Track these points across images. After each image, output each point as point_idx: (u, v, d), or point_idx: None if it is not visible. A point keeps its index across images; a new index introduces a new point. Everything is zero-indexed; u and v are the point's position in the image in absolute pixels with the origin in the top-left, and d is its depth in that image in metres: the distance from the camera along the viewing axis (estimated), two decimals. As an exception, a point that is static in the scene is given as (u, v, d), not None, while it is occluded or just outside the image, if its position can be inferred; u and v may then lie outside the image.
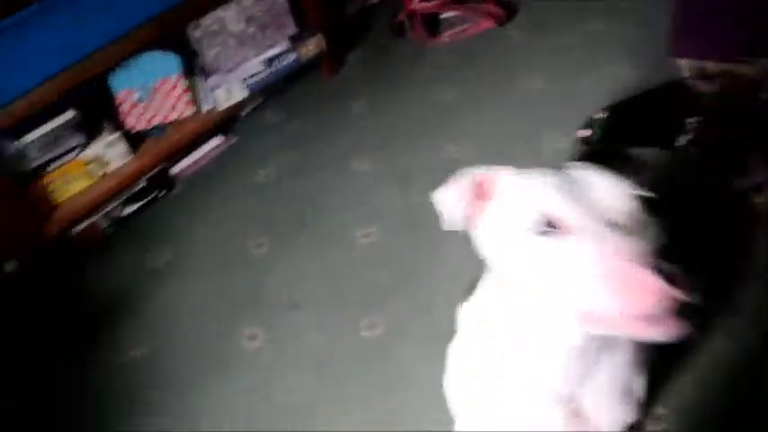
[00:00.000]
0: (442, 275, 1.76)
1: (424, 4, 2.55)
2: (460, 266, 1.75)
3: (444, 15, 2.64)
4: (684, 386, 1.44)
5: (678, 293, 0.67)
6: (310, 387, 1.60)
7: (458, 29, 2.59)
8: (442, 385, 1.49)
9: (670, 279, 0.68)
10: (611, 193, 0.77)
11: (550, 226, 0.75)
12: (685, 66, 1.93)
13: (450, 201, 0.86)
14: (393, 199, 1.97)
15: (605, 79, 2.25)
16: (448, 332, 1.61)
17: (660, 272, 0.68)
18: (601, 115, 2.02)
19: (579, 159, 1.93)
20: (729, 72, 1.82)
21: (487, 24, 2.57)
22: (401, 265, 1.80)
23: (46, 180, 1.89)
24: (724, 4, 1.84)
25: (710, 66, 1.86)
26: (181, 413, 1.60)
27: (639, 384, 1.01)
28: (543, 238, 0.75)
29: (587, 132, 2.02)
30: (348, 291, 1.78)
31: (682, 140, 1.96)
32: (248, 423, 1.56)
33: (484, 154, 2.06)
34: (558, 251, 0.75)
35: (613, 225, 0.73)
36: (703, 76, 1.89)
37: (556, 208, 0.75)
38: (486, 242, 0.85)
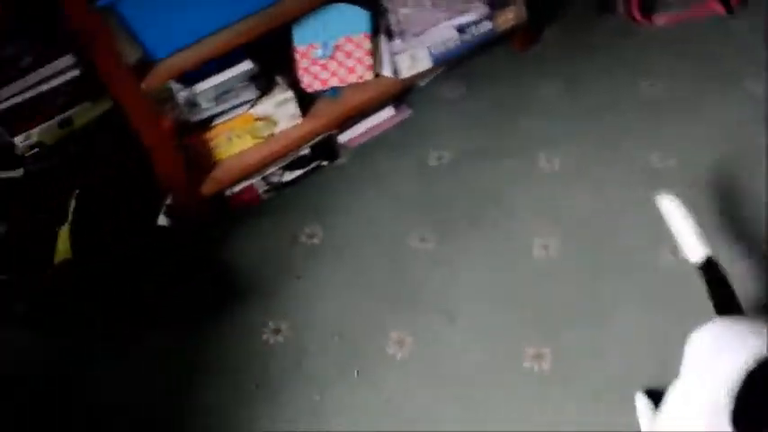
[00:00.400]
0: (624, 311, 1.51)
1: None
2: (647, 305, 1.52)
3: (665, -6, 2.29)
4: None
5: None
6: (450, 414, 1.43)
7: (678, 11, 2.23)
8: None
9: None
10: None
11: None
12: None
13: None
14: (581, 207, 1.73)
15: None
16: (618, 383, 1.40)
17: None
18: None
19: None
20: None
21: (714, 10, 2.20)
22: (580, 291, 1.57)
23: (212, 134, 1.80)
24: None
25: None
26: (308, 407, 1.48)
27: None
28: None
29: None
30: (515, 311, 1.57)
31: None
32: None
33: (693, 166, 1.76)
34: None
35: None
36: None
37: None
38: None
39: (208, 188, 1.81)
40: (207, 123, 1.80)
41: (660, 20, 2.23)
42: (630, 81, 2.04)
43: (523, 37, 2.17)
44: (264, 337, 1.61)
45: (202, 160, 1.82)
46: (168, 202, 1.85)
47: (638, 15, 2.22)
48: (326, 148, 1.96)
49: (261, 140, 1.86)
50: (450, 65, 2.13)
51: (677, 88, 2.01)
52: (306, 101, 1.93)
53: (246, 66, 1.78)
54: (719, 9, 2.20)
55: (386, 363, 1.53)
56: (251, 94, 1.81)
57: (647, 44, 2.17)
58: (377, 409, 1.46)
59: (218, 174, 1.83)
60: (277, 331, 1.61)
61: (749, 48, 2.10)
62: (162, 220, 1.84)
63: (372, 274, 1.70)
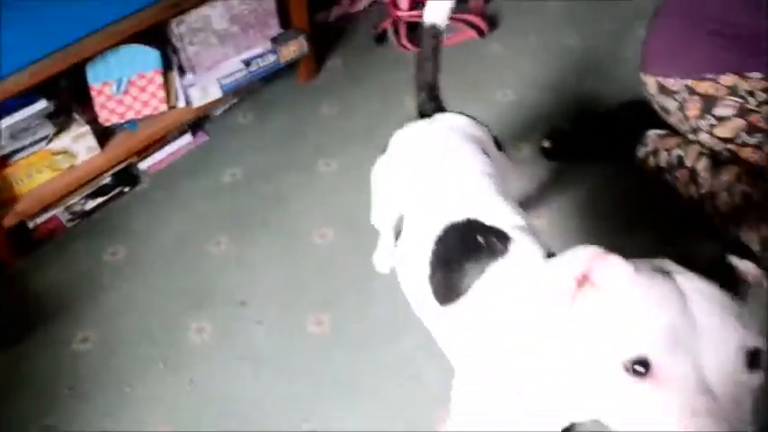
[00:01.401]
0: (385, 281, 1.78)
1: (410, 12, 2.57)
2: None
3: (426, 25, 2.65)
4: None
5: None
6: (251, 381, 1.62)
7: (439, 39, 2.60)
8: (373, 385, 1.53)
9: None
10: (728, 342, 0.66)
11: (645, 367, 0.66)
12: (652, 82, 1.94)
13: (561, 283, 0.74)
14: (351, 202, 1.99)
15: (577, 94, 2.28)
16: (385, 336, 1.65)
17: None
18: (563, 127, 2.04)
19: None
20: (691, 89, 1.83)
21: (469, 35, 2.59)
22: (351, 267, 1.83)
23: (11, 170, 1.90)
24: (685, 26, 1.87)
25: (671, 82, 1.87)
26: (120, 403, 1.60)
27: None
28: (629, 377, 0.67)
29: (549, 143, 2.04)
30: (298, 290, 1.80)
31: (641, 152, 1.98)
32: (189, 414, 1.57)
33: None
34: (637, 398, 0.67)
35: (710, 391, 0.63)
36: (665, 91, 1.91)
37: (651, 351, 0.66)
38: (565, 340, 0.76)
39: (9, 221, 1.89)
40: (6, 160, 1.90)
41: (424, 47, 2.59)
42: (399, 100, 2.34)
43: (308, 68, 2.44)
44: (74, 346, 1.72)
45: (3, 194, 1.91)
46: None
47: (406, 44, 2.56)
48: (127, 176, 2.11)
49: (60, 172, 1.98)
50: (242, 95, 2.37)
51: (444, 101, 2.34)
52: (106, 133, 2.07)
53: (41, 105, 1.88)
54: (474, 34, 2.59)
55: (188, 351, 1.69)
56: (47, 130, 1.92)
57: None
58: (183, 391, 1.62)
59: (19, 207, 1.91)
60: (85, 340, 1.73)
61: (500, 65, 2.50)
62: (-34, 253, 1.91)
63: (173, 279, 1.87)
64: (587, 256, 0.72)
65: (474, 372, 1.01)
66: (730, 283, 0.73)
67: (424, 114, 1.43)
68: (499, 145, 1.39)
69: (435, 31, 1.45)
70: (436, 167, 1.23)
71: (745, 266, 0.75)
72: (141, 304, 1.81)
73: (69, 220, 2.04)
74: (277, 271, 1.85)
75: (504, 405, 0.94)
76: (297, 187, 2.07)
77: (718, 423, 0.61)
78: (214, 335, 1.72)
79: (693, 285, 0.69)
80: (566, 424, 0.93)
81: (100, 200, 2.08)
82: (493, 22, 2.66)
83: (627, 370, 0.66)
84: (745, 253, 0.76)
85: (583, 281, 0.74)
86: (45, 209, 1.97)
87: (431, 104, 1.45)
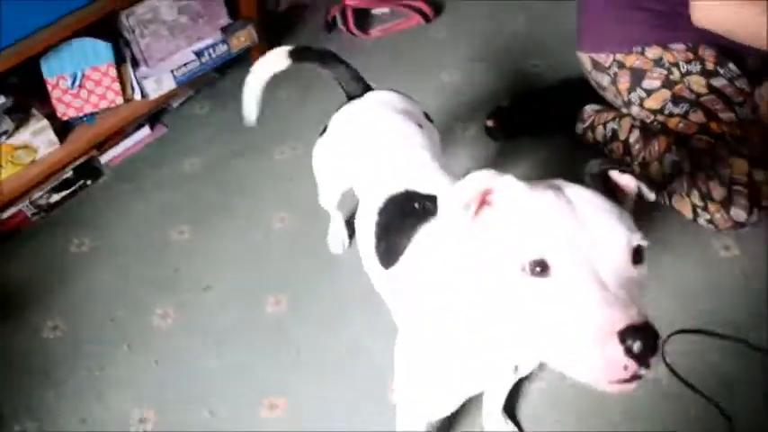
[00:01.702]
0: (341, 261, 1.88)
1: (358, 0, 2.65)
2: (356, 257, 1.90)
3: (375, 11, 2.74)
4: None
5: (641, 372, 0.68)
6: (214, 360, 1.71)
7: (387, 25, 2.69)
8: (330, 360, 1.64)
9: (640, 358, 0.67)
10: (614, 240, 0.73)
11: (542, 267, 0.72)
12: (586, 59, 2.05)
13: (461, 203, 0.80)
14: (308, 187, 2.05)
15: (520, 74, 2.38)
16: (341, 315, 1.75)
17: (630, 352, 0.67)
18: (506, 105, 2.14)
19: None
20: (620, 63, 1.95)
21: (416, 20, 2.68)
22: (308, 249, 1.92)
23: (-29, 166, 1.97)
24: (610, 2, 1.96)
25: (603, 57, 1.98)
26: (91, 387, 1.69)
27: None
28: (530, 278, 0.73)
29: (492, 122, 2.14)
30: (258, 272, 1.89)
31: (579, 128, 2.09)
32: (155, 393, 1.66)
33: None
34: (540, 296, 0.73)
35: (603, 282, 0.70)
36: (599, 67, 2.02)
37: (547, 252, 0.72)
38: (470, 253, 0.83)
39: (-26, 216, 1.97)
40: (-33, 157, 1.96)
41: (375, 32, 2.67)
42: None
43: (259, 56, 2.49)
44: (44, 334, 1.80)
45: (-34, 191, 1.97)
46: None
47: (354, 31, 2.64)
48: (89, 169, 2.18)
49: (22, 167, 2.04)
50: (199, 86, 2.45)
51: (391, 84, 2.42)
52: (66, 127, 2.14)
53: (-1, 100, 1.97)
54: (420, 20, 2.68)
55: (153, 334, 1.78)
56: (6, 125, 1.98)
57: (365, 54, 2.59)
58: (149, 371, 1.70)
59: (-17, 202, 1.99)
60: (55, 328, 1.81)
61: (446, 48, 2.59)
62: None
63: (138, 267, 1.94)
64: (484, 178, 0.79)
65: (412, 329, 1.10)
66: (612, 194, 0.83)
67: (352, 96, 1.52)
68: (429, 118, 1.49)
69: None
70: (372, 143, 1.32)
71: (624, 179, 0.85)
72: (108, 292, 1.89)
73: (34, 214, 2.10)
74: (237, 256, 1.94)
75: (442, 360, 1.02)
76: (255, 174, 2.15)
77: (619, 311, 0.68)
78: (178, 318, 1.80)
79: (581, 195, 0.77)
80: (501, 376, 1.04)
81: (64, 193, 2.14)
82: (438, 8, 2.75)
83: (528, 272, 0.73)
84: (624, 169, 0.85)
85: (482, 203, 0.81)
86: (9, 203, 2.04)
87: (357, 85, 1.54)
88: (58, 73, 2.07)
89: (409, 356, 1.09)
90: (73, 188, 2.15)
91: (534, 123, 2.14)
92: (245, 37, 2.37)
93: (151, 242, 2.00)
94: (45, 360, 1.74)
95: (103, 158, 2.23)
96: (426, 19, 2.68)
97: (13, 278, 1.94)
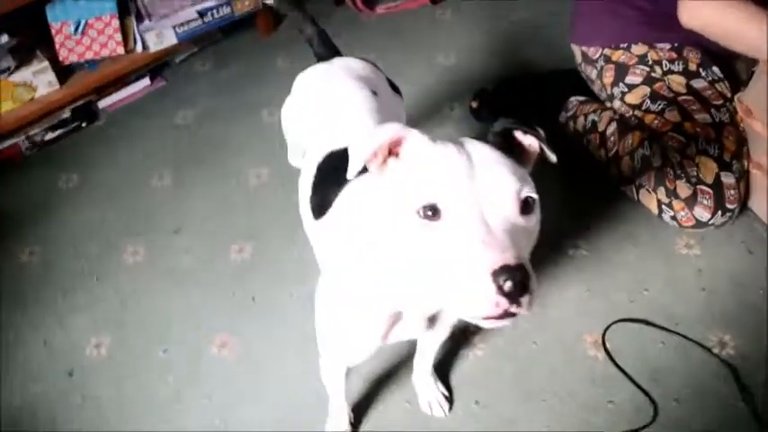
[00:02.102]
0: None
1: (368, -23, 2.71)
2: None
3: (385, -12, 2.79)
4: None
5: (514, 309, 0.74)
6: (175, 298, 1.80)
7: (393, 3, 2.74)
8: (281, 310, 1.70)
9: (511, 296, 0.73)
10: (503, 190, 0.79)
11: (434, 211, 0.78)
12: (577, 51, 2.09)
13: (368, 152, 0.85)
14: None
15: (515, 61, 2.42)
16: (299, 273, 1.82)
17: (501, 289, 0.72)
18: (490, 88, 2.18)
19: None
20: (607, 57, 1.98)
21: (421, 2, 2.72)
22: (279, 207, 1.98)
23: (-27, 96, 2.07)
24: (603, 7, 2.02)
25: (592, 51, 2.02)
26: (52, 309, 1.79)
27: None
28: (423, 221, 0.79)
29: (476, 103, 2.18)
30: (228, 221, 1.97)
31: (563, 117, 2.12)
32: (113, 324, 1.75)
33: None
34: (433, 237, 0.79)
35: (489, 228, 0.76)
36: (587, 60, 2.05)
37: (440, 197, 0.78)
38: (384, 202, 0.88)
39: (-29, 144, 2.08)
40: (-31, 87, 2.07)
41: (380, 10, 2.73)
42: (348, 55, 2.48)
43: (265, 22, 2.59)
44: (21, 258, 1.90)
45: (-34, 120, 2.08)
46: (-66, 156, 2.09)
47: (361, 6, 2.70)
48: (87, 112, 2.28)
49: (21, 103, 2.14)
50: (203, 44, 2.53)
51: (385, 61, 2.48)
52: (67, 71, 2.24)
53: (3, 39, 2.06)
54: (426, 1, 2.72)
55: (121, 270, 1.87)
56: (8, 63, 2.09)
57: (368, 29, 2.66)
58: (112, 305, 1.79)
59: (-20, 131, 2.10)
60: (32, 254, 1.92)
61: (448, 30, 2.63)
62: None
63: (116, 207, 2.04)
64: (393, 129, 0.85)
65: (329, 275, 1.16)
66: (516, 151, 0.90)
67: (321, 58, 1.58)
68: (395, 88, 1.56)
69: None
70: (325, 105, 1.38)
71: (527, 139, 0.91)
72: (85, 227, 1.98)
73: (28, 149, 2.20)
74: (211, 205, 2.02)
75: (355, 304, 1.07)
76: (242, 132, 2.24)
77: (496, 252, 0.74)
78: (146, 257, 1.89)
79: (479, 149, 0.83)
80: (414, 327, 1.09)
81: (59, 132, 2.25)
82: (447, -9, 2.79)
83: (421, 216, 0.78)
84: (527, 130, 0.90)
85: (391, 153, 0.87)
86: (5, 136, 2.14)
87: (325, 50, 1.63)
88: (62, 19, 2.16)
89: (326, 301, 1.15)
90: (68, 128, 2.25)
91: (516, 108, 2.18)
92: (249, 2, 2.45)
93: (132, 185, 2.09)
94: (17, 282, 1.85)
95: (101, 104, 2.33)
96: (433, 1, 2.72)
97: (1, 205, 2.05)
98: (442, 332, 1.32)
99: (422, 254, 0.80)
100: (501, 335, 1.66)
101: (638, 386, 1.56)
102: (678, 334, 1.65)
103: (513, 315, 0.75)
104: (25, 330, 1.74)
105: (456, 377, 1.61)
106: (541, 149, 0.91)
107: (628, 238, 1.87)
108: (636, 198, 1.91)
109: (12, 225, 1.99)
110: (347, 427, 1.51)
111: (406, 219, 0.80)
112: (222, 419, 1.55)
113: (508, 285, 0.72)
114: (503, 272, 0.72)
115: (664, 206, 1.83)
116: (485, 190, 0.78)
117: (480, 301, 0.73)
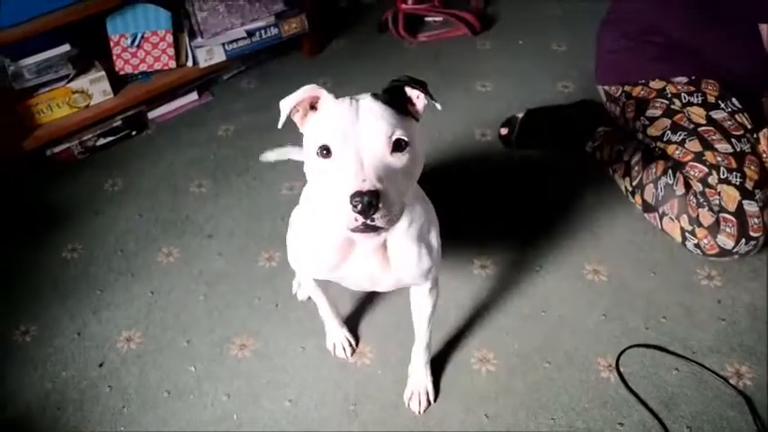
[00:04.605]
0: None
1: (413, 6, 2.80)
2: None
3: (428, 18, 2.89)
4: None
5: (369, 222, 0.99)
6: (202, 299, 1.88)
7: (435, 32, 2.83)
8: (303, 317, 1.79)
9: (364, 213, 0.98)
10: (376, 134, 1.03)
11: (327, 151, 1.04)
12: (601, 91, 2.18)
13: (290, 105, 1.12)
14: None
15: (546, 93, 2.47)
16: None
17: (355, 208, 0.98)
18: (520, 116, 2.23)
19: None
20: (628, 94, 2.04)
21: (462, 32, 2.80)
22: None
23: (34, 100, 2.21)
24: (620, 38, 2.11)
25: (613, 89, 2.09)
26: (89, 300, 1.88)
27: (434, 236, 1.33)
28: (320, 159, 1.05)
29: (505, 130, 2.24)
30: (259, 230, 2.05)
31: (589, 147, 2.16)
32: (143, 320, 1.83)
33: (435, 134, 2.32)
34: (326, 171, 1.05)
35: (359, 161, 1.01)
36: (611, 98, 2.12)
37: (330, 140, 1.03)
38: (305, 147, 1.13)
39: (29, 145, 2.21)
40: (31, 92, 2.21)
41: (422, 37, 2.81)
42: (386, 80, 2.57)
43: (310, 45, 2.70)
44: (62, 254, 2.01)
45: (26, 122, 2.22)
46: (-7, 154, 2.24)
47: (403, 34, 2.79)
48: (137, 121, 2.41)
49: (77, 110, 2.28)
50: (250, 63, 2.65)
51: (431, 83, 2.57)
52: (121, 81, 2.38)
53: (65, 48, 2.21)
54: (467, 32, 2.80)
55: (155, 268, 1.96)
56: (68, 71, 2.24)
57: (409, 56, 2.75)
58: (143, 300, 1.88)
59: (38, 134, 2.23)
60: (73, 250, 2.02)
61: (485, 60, 2.71)
62: (-14, 170, 2.23)
63: (156, 210, 2.14)
64: (309, 89, 1.11)
65: (296, 209, 1.46)
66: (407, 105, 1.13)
67: None
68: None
69: None
70: None
71: (414, 93, 1.13)
72: (125, 227, 2.09)
73: (80, 153, 2.34)
74: (244, 213, 2.11)
75: (308, 229, 1.31)
76: (278, 146, 2.31)
77: (357, 181, 0.98)
78: (179, 258, 1.98)
79: (366, 104, 1.07)
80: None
81: (110, 138, 2.38)
82: (489, 23, 2.88)
83: (320, 155, 1.04)
84: (414, 85, 1.12)
85: (311, 108, 1.13)
86: (61, 140, 2.28)
87: None
88: (120, 32, 2.30)
89: (293, 227, 1.44)
90: (119, 135, 2.38)
91: (544, 137, 2.22)
92: (296, 24, 2.56)
93: (172, 191, 2.20)
94: (57, 276, 1.95)
95: (151, 114, 2.46)
96: (474, 31, 2.80)
97: (50, 203, 2.18)
98: (423, 306, 1.49)
99: (322, 184, 1.06)
100: (515, 353, 1.69)
101: (651, 410, 1.57)
102: (694, 362, 1.66)
103: (375, 229, 1.01)
104: (62, 321, 1.84)
105: (468, 391, 1.64)
106: (426, 98, 1.13)
107: (648, 266, 1.89)
108: (659, 226, 1.93)
109: (58, 222, 2.11)
110: (345, 343, 1.72)
111: (313, 157, 1.06)
112: (239, 416, 1.61)
113: (360, 207, 0.97)
114: (356, 195, 0.97)
115: (687, 234, 1.85)
116: (363, 134, 1.02)
117: (346, 216, 0.99)
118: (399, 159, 1.04)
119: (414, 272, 1.30)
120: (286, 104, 1.12)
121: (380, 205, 0.97)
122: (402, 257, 1.27)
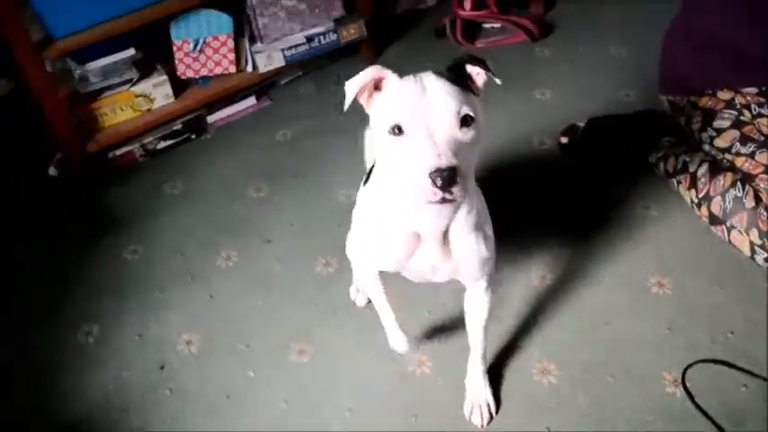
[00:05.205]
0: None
1: (471, 13, 2.78)
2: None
3: (486, 25, 2.86)
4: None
5: (447, 196, 1.02)
6: (259, 303, 1.89)
7: (493, 38, 2.81)
8: (360, 323, 1.78)
9: (443, 188, 1.01)
10: (445, 110, 1.04)
11: (399, 129, 1.05)
12: (665, 101, 2.13)
13: (356, 86, 1.13)
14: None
15: (607, 101, 2.43)
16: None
17: (435, 183, 1.00)
18: (581, 124, 2.20)
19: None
20: (694, 104, 2.00)
21: (522, 38, 2.77)
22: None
23: (98, 104, 2.26)
24: (687, 48, 2.07)
25: (678, 99, 2.04)
26: (151, 302, 1.91)
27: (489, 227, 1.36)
28: (392, 137, 1.06)
29: (565, 139, 2.20)
30: (317, 236, 2.05)
31: (653, 157, 2.11)
32: (203, 323, 1.85)
33: (492, 139, 2.28)
34: (398, 148, 1.06)
35: (431, 137, 1.03)
36: (675, 108, 2.08)
37: (401, 119, 1.05)
38: (373, 128, 1.15)
39: (92, 147, 2.26)
40: (95, 95, 2.26)
41: (480, 44, 2.80)
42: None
43: (368, 51, 2.71)
44: (124, 255, 2.04)
45: (90, 125, 2.27)
46: (58, 156, 2.29)
47: (461, 40, 2.78)
48: (196, 125, 2.44)
49: (139, 113, 2.32)
50: (308, 68, 2.66)
51: (489, 91, 2.55)
52: (181, 85, 2.41)
53: (130, 52, 2.25)
54: (526, 38, 2.77)
55: (214, 272, 1.98)
56: (132, 75, 2.28)
57: (467, 61, 2.72)
58: (202, 303, 1.90)
59: (101, 137, 2.28)
60: (134, 251, 2.05)
61: (544, 67, 2.68)
62: (52, 171, 2.30)
63: (215, 213, 2.17)
64: (375, 69, 1.13)
65: (359, 201, 1.48)
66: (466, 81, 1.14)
67: None
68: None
69: None
70: None
71: (474, 69, 1.15)
72: (185, 230, 2.12)
73: (142, 156, 2.38)
74: (302, 218, 2.12)
75: (373, 222, 1.34)
76: (336, 152, 2.34)
77: (439, 158, 1.00)
78: (238, 262, 2.00)
79: (431, 81, 1.08)
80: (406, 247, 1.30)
81: (170, 142, 2.41)
82: (548, 29, 2.84)
83: (392, 133, 1.06)
84: (472, 61, 1.14)
85: (375, 89, 1.14)
86: (123, 142, 2.32)
87: None
88: (183, 37, 2.34)
89: (356, 220, 1.46)
90: (179, 139, 2.42)
91: (606, 146, 2.18)
92: (355, 30, 2.57)
93: (231, 194, 2.22)
94: (118, 277, 1.98)
95: (210, 118, 2.49)
96: (532, 38, 2.77)
97: (111, 204, 2.22)
98: (479, 310, 1.49)
99: (394, 162, 1.08)
100: (577, 365, 1.66)
101: (718, 426, 1.52)
102: (763, 378, 1.60)
103: (450, 200, 1.03)
104: (122, 322, 1.86)
105: (529, 403, 1.61)
106: (487, 74, 1.14)
107: (714, 279, 1.84)
108: (727, 239, 1.88)
109: (119, 224, 2.14)
110: (405, 344, 1.62)
111: (385, 137, 1.07)
112: (298, 423, 1.61)
113: (439, 181, 0.99)
114: (436, 172, 1.00)
115: (757, 248, 1.79)
116: (432, 111, 1.04)
117: (424, 191, 1.02)
118: (467, 134, 1.06)
119: (473, 260, 1.32)
120: (352, 87, 1.13)
121: (458, 179, 1.00)
122: (462, 245, 1.29)
